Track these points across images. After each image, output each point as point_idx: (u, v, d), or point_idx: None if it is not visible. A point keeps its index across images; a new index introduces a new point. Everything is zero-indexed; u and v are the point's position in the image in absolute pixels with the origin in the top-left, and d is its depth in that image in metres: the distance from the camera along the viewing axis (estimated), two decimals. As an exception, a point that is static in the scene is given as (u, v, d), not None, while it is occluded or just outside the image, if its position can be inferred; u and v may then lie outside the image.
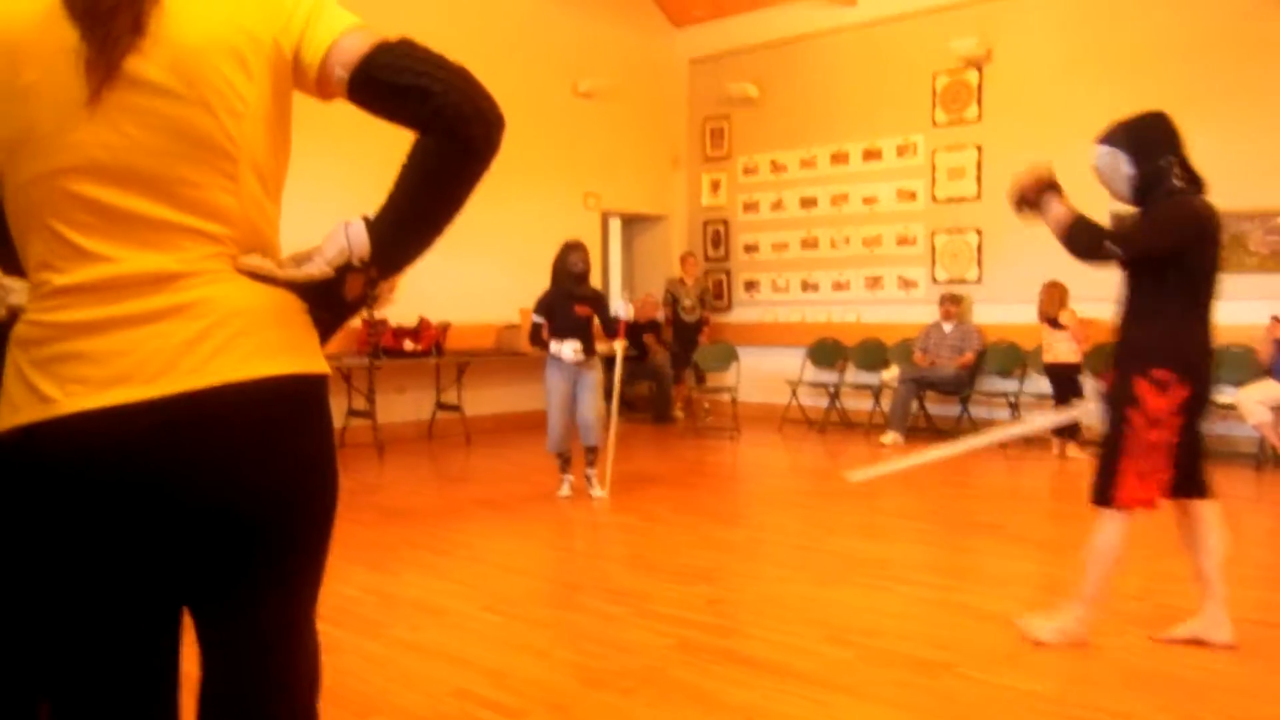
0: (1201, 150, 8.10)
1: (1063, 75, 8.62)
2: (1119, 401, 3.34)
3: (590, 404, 6.00)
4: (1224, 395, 7.58)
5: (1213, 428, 7.76)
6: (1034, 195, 3.62)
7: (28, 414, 1.25)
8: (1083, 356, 7.96)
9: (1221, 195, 8.33)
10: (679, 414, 10.24)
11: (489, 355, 9.12)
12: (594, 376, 6.07)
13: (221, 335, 1.27)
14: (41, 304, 1.28)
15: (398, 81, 1.29)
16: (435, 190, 1.34)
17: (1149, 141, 3.39)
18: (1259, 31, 7.64)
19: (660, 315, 10.29)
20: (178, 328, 1.25)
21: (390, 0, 8.17)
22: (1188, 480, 3.39)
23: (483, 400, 9.24)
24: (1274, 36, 7.58)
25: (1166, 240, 3.29)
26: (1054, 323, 7.97)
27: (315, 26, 1.32)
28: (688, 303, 10.44)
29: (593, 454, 6.14)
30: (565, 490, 6.15)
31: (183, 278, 1.27)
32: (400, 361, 8.38)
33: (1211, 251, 3.36)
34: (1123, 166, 3.41)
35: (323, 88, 1.34)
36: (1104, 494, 3.40)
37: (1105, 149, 3.46)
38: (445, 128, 1.29)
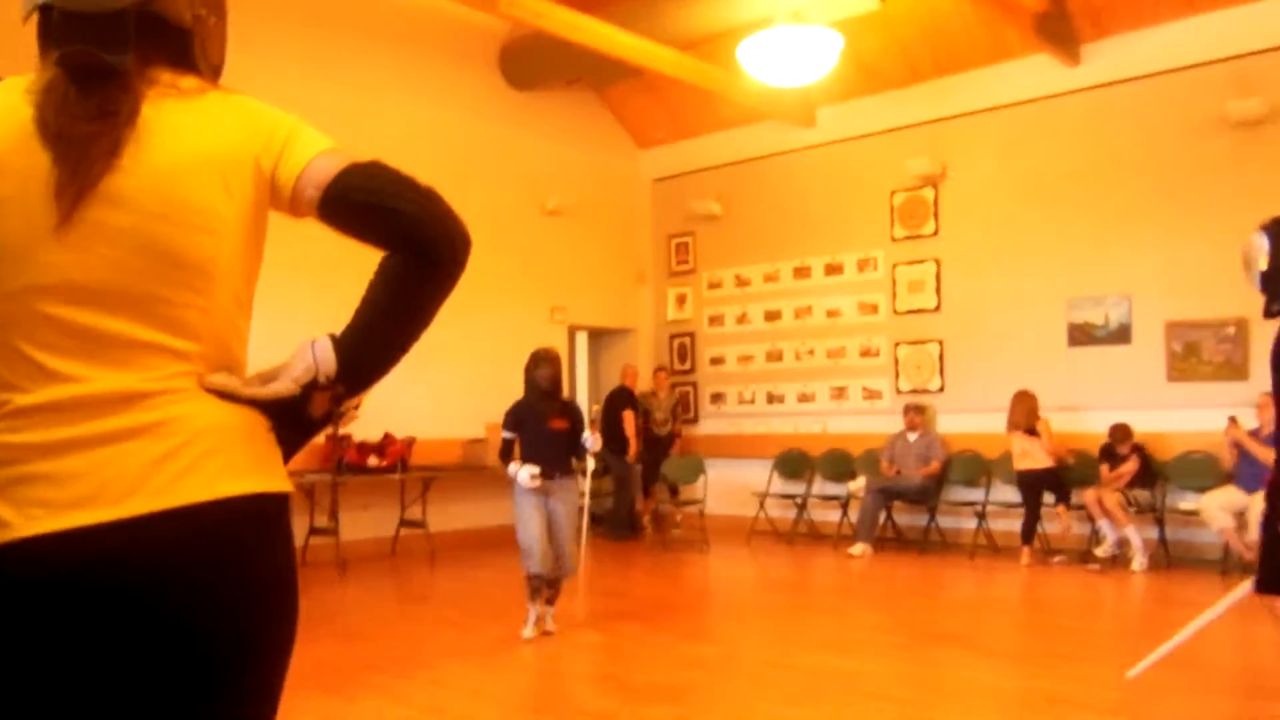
0: (1153, 264, 8.43)
1: (1013, 192, 8.91)
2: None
3: (568, 528, 5.39)
4: (1186, 502, 7.66)
5: (1172, 534, 7.82)
6: None
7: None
8: (1056, 463, 8.05)
9: (1174, 307, 8.61)
10: (647, 527, 10.15)
11: (454, 470, 9.04)
12: (574, 496, 5.50)
13: (189, 455, 1.26)
14: (1, 424, 1.25)
15: (368, 202, 1.33)
16: (403, 309, 1.36)
17: None
18: (1202, 152, 7.97)
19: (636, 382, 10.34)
20: (144, 447, 1.24)
21: (361, 121, 8.42)
22: None
23: (448, 517, 9.12)
24: (1213, 157, 7.92)
25: None
26: (1030, 430, 8.08)
27: (292, 147, 1.36)
28: (660, 415, 10.46)
29: (556, 590, 5.47)
30: (529, 630, 5.36)
31: (150, 396, 1.26)
32: (364, 478, 8.29)
33: None
34: (1260, 257, 3.30)
35: (295, 207, 1.37)
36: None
37: (1256, 235, 3.35)
38: (414, 248, 1.32)
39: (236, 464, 1.30)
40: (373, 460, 8.40)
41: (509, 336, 9.34)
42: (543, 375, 5.51)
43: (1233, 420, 7.36)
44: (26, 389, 1.24)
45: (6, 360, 1.25)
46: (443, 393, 9.04)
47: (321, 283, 7.18)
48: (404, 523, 8.81)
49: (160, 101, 1.33)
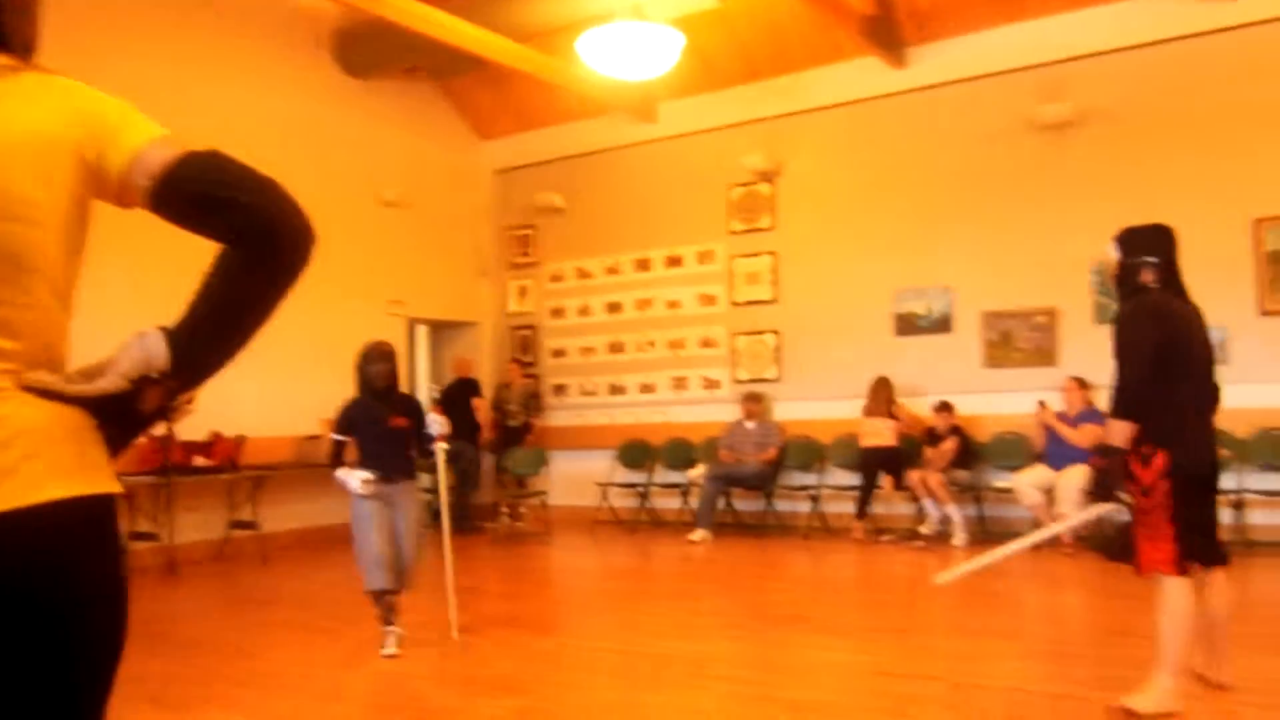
0: (972, 257, 8.91)
1: (844, 188, 9.28)
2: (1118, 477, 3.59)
3: (411, 537, 4.89)
4: (1001, 480, 8.17)
5: (988, 510, 8.32)
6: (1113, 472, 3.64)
7: None
8: (901, 441, 8.44)
9: (990, 298, 9.11)
10: (503, 516, 10.02)
11: (288, 468, 8.74)
12: (414, 501, 5.00)
13: (8, 458, 1.19)
14: None
15: (204, 193, 1.26)
16: (241, 303, 1.30)
17: (1135, 241, 3.74)
18: (1016, 153, 8.49)
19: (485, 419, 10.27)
20: None
21: (187, 106, 7.99)
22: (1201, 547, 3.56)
23: (281, 516, 8.80)
24: (1025, 158, 8.44)
25: (1142, 352, 3.53)
26: (890, 415, 8.47)
27: (121, 134, 1.28)
28: (513, 407, 10.41)
29: (393, 605, 4.92)
30: (391, 647, 4.87)
31: None
32: (191, 478, 7.90)
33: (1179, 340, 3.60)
34: (1111, 259, 3.78)
35: (124, 196, 1.30)
36: (1136, 564, 3.60)
37: (1109, 245, 3.80)
38: (252, 241, 1.26)
39: (61, 466, 1.23)
40: (199, 460, 8.02)
41: (344, 330, 9.04)
42: (377, 372, 4.94)
43: (1042, 404, 7.89)
44: None
45: None
46: (274, 389, 8.71)
47: (142, 277, 6.82)
48: (234, 524, 8.45)
49: None
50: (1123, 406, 3.54)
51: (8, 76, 1.28)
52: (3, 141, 1.22)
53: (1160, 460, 3.48)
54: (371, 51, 9.59)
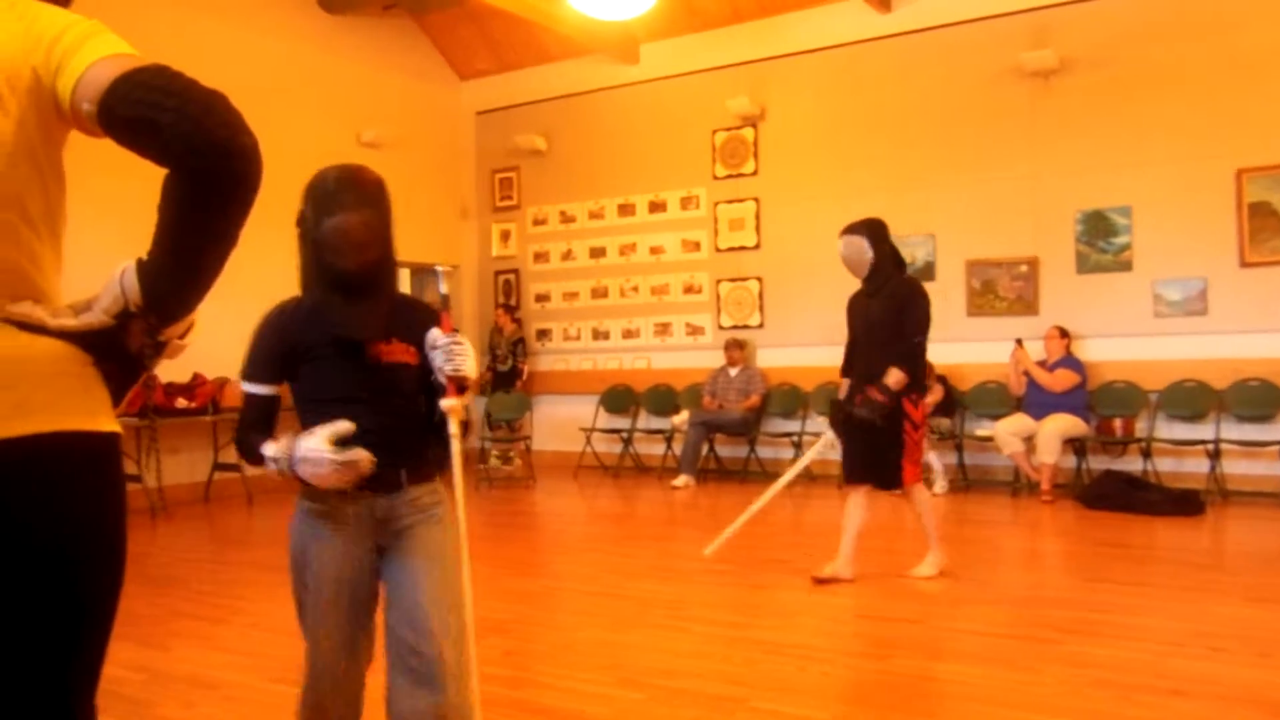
0: (955, 205, 8.87)
1: (829, 134, 9.20)
2: (897, 416, 4.76)
3: (437, 617, 2.23)
4: (983, 428, 8.23)
5: (969, 459, 8.39)
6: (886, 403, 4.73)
7: None
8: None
9: (973, 246, 9.09)
10: (496, 460, 10.01)
11: (271, 411, 8.70)
12: (440, 536, 2.33)
13: (18, 390, 1.19)
14: None
15: (130, 114, 1.19)
16: (189, 228, 1.23)
17: (880, 232, 4.89)
18: (1001, 100, 8.43)
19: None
20: None
21: (168, 43, 7.82)
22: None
23: (265, 459, 8.79)
24: (1010, 105, 8.38)
25: (926, 318, 4.83)
26: None
27: (72, 55, 1.22)
28: (501, 352, 10.40)
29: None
30: None
31: None
32: (174, 420, 7.88)
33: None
34: (866, 252, 4.83)
35: (79, 123, 1.25)
36: (899, 482, 4.90)
37: (853, 238, 4.85)
38: (183, 164, 1.19)
39: (34, 401, 1.22)
40: (181, 402, 7.99)
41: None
42: (344, 236, 2.26)
43: (1019, 343, 7.92)
44: None
45: None
46: (251, 330, 8.65)
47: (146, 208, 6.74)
48: (218, 466, 8.45)
49: None
50: (908, 361, 4.71)
51: None
52: None
53: (925, 402, 5.03)
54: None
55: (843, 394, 5.08)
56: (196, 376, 8.12)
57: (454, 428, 2.22)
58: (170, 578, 5.42)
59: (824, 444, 5.34)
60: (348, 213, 2.19)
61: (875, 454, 4.82)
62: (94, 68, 1.21)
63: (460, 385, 2.17)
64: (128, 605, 4.43)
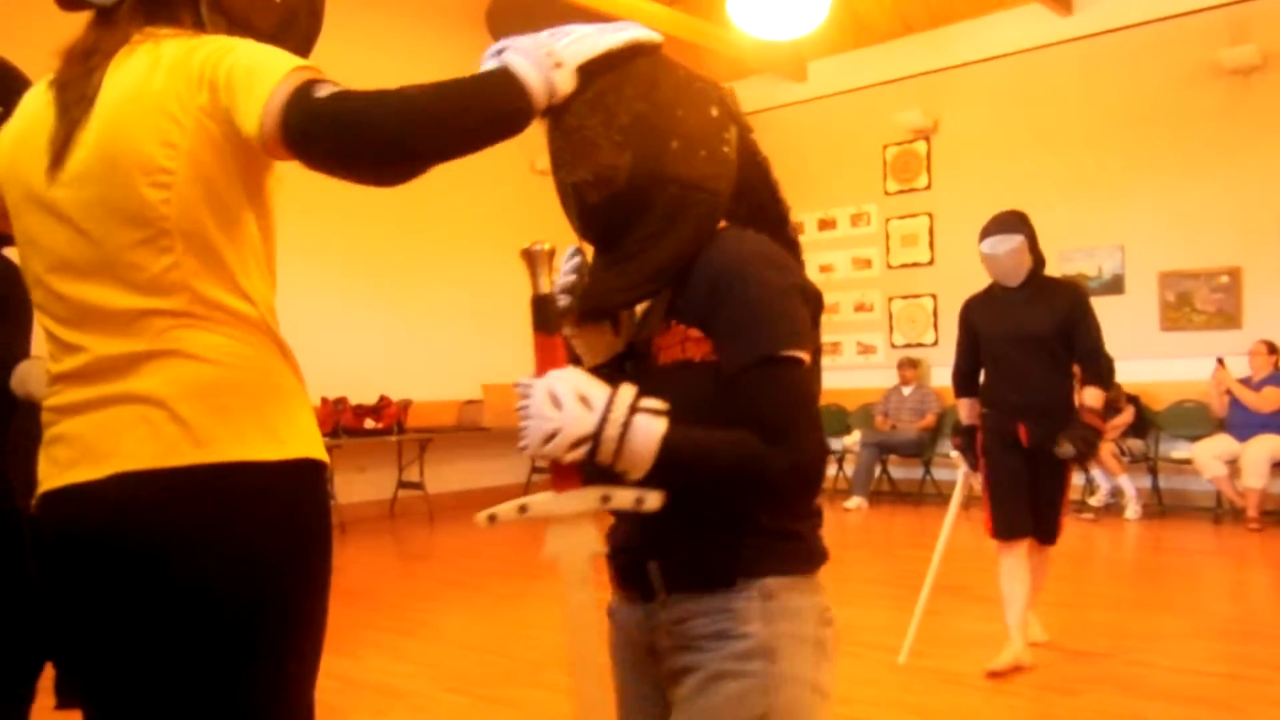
0: (1146, 214, 8.42)
1: (1006, 144, 8.87)
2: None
3: None
4: (1179, 450, 7.72)
5: (1165, 483, 7.88)
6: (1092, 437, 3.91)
7: (39, 489, 1.35)
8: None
9: (1167, 257, 8.60)
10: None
11: (451, 431, 9.06)
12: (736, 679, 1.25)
13: (156, 420, 1.26)
14: (48, 391, 1.37)
15: (322, 155, 1.23)
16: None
17: (1033, 228, 4.16)
18: (1196, 101, 7.93)
19: None
20: (121, 413, 1.28)
21: (341, 79, 8.30)
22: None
23: (445, 477, 9.15)
24: (1206, 105, 7.88)
25: None
26: None
27: (241, 97, 1.24)
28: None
29: None
30: None
31: (141, 361, 1.28)
32: (361, 440, 8.30)
33: None
34: (1026, 254, 4.10)
35: (269, 150, 1.26)
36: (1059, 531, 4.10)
37: (1017, 238, 4.10)
38: (398, 178, 1.25)
39: (203, 432, 1.27)
40: (369, 423, 8.41)
41: (500, 297, 9.31)
42: None
43: (1220, 363, 7.41)
44: (57, 358, 1.35)
45: (46, 337, 1.37)
46: (438, 354, 9.04)
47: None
48: (402, 484, 8.84)
49: (132, 50, 1.31)
50: (1108, 378, 4.12)
51: (157, 42, 1.31)
52: (126, 109, 1.27)
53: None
54: (523, 20, 9.70)
55: (965, 418, 4.31)
56: (382, 398, 8.53)
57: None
58: (360, 590, 5.70)
59: (964, 477, 4.46)
60: None
61: (1041, 499, 3.96)
62: (271, 100, 1.22)
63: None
64: (322, 615, 4.62)
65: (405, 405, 8.65)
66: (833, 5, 7.58)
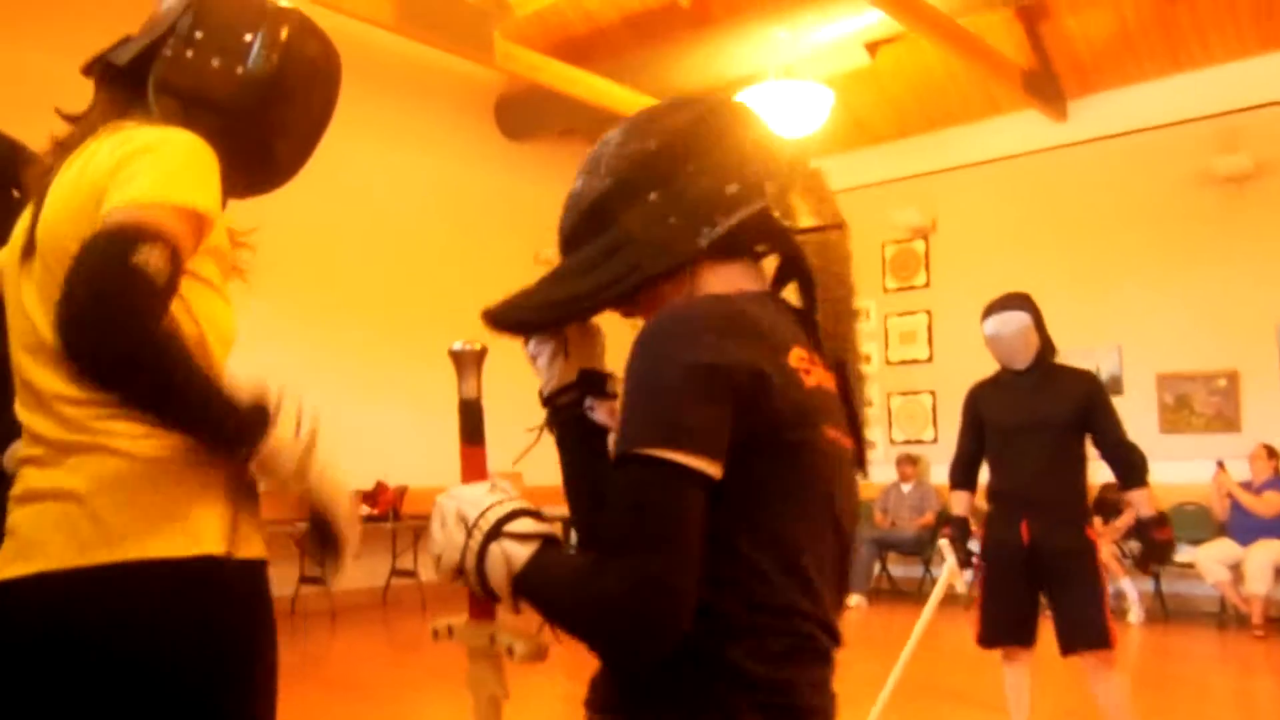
0: (1143, 316, 8.48)
1: (1003, 243, 9.00)
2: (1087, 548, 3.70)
3: None
4: (1182, 554, 7.64)
5: (1168, 587, 7.79)
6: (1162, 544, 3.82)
7: None
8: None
9: (1165, 358, 8.64)
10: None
11: (446, 519, 8.96)
12: None
13: (75, 516, 1.24)
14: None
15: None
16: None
17: (1038, 309, 3.92)
18: (1190, 206, 8.08)
19: None
20: (49, 510, 1.26)
21: (356, 169, 8.47)
22: None
23: (439, 566, 9.02)
24: (1200, 211, 8.01)
25: None
26: None
27: (109, 194, 1.24)
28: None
29: None
30: None
31: (72, 452, 1.26)
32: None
33: None
34: (1031, 332, 3.84)
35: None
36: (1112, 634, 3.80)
37: (1022, 315, 3.87)
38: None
39: (113, 531, 1.23)
40: (365, 509, 8.34)
41: (505, 385, 9.32)
42: None
43: (1220, 465, 7.38)
44: (25, 442, 1.33)
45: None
46: (434, 440, 8.99)
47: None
48: (395, 572, 8.72)
49: (88, 144, 1.34)
50: (1145, 471, 3.68)
51: (113, 133, 1.33)
52: (65, 199, 1.30)
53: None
54: (529, 115, 9.94)
55: (958, 510, 4.17)
56: (379, 485, 8.48)
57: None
58: (350, 681, 5.58)
59: (949, 573, 4.22)
60: None
61: (1064, 601, 3.85)
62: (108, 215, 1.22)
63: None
64: (307, 705, 4.61)
65: (402, 491, 8.59)
66: (833, 107, 7.77)
